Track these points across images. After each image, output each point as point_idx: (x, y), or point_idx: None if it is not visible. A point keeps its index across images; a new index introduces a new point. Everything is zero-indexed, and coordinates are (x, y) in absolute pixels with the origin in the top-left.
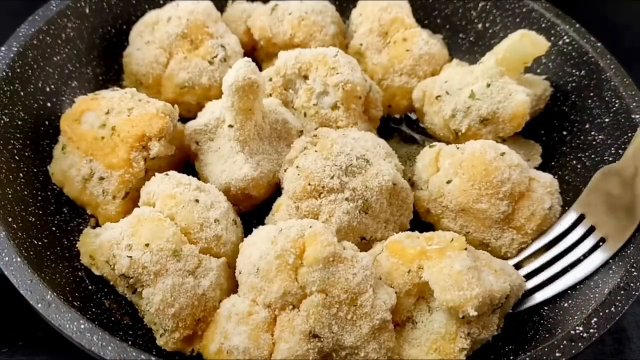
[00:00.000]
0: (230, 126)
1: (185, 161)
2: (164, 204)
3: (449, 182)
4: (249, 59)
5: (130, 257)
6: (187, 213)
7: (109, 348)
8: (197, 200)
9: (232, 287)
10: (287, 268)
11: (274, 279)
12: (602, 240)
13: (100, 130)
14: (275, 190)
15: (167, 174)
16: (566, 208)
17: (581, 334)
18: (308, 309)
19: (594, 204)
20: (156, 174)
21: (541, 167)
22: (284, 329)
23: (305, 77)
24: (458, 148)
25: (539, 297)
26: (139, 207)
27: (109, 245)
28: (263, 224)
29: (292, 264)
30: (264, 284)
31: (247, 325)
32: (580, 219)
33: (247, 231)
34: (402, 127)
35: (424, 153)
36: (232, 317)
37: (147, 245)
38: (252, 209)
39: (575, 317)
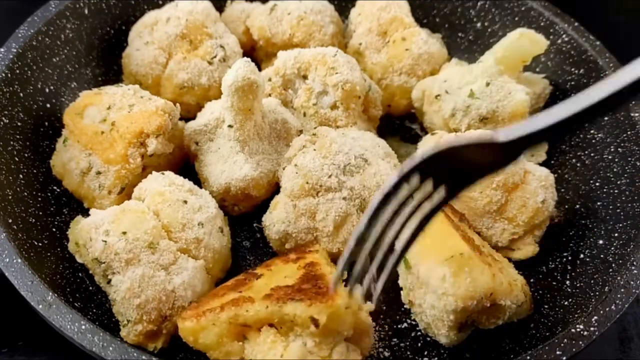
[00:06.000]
0: (230, 126)
1: (186, 161)
2: (152, 200)
3: None
4: (248, 59)
5: (105, 241)
6: (171, 211)
7: (110, 349)
8: (185, 202)
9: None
10: None
11: None
12: None
13: (100, 125)
14: (276, 190)
15: (163, 173)
16: (565, 206)
17: (582, 332)
18: None
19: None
20: (153, 172)
21: (541, 166)
22: None
23: (305, 77)
24: (457, 136)
25: None
26: None
27: (88, 229)
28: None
29: None
30: None
31: None
32: None
33: (246, 230)
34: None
35: (425, 140)
36: None
37: (124, 233)
38: (252, 209)
39: (576, 315)
